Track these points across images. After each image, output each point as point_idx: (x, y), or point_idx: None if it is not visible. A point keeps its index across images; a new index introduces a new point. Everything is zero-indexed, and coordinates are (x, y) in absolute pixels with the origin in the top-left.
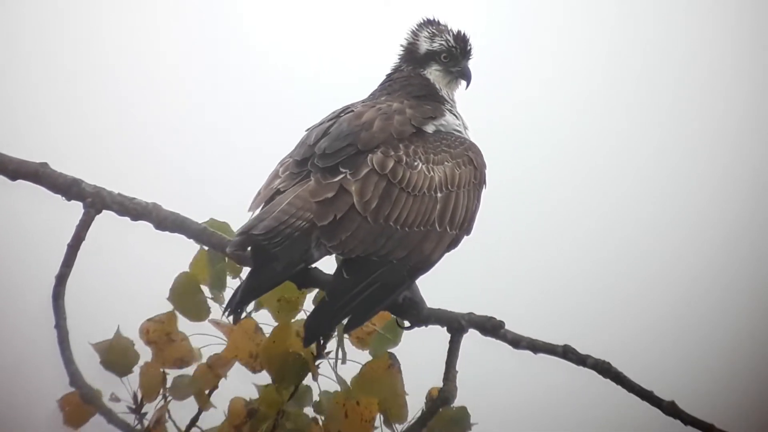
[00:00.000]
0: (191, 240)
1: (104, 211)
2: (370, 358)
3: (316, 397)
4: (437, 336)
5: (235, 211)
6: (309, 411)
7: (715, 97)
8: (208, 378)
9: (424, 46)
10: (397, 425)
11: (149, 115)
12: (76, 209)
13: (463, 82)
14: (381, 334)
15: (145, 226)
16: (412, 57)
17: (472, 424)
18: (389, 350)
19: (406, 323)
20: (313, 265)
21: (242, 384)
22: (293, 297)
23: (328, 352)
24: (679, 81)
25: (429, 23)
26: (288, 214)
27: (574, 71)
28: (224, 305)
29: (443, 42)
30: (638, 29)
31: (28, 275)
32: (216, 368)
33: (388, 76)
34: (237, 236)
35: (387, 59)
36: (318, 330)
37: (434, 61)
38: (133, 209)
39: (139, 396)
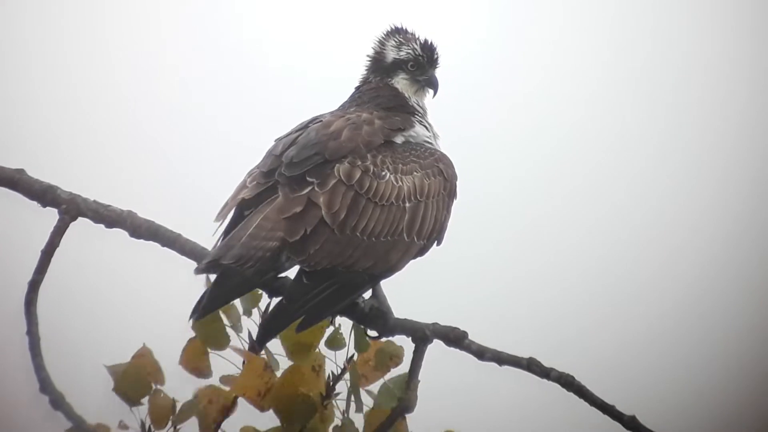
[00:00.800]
0: (166, 248)
1: (80, 219)
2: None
3: None
4: (402, 346)
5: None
6: None
7: (716, 97)
8: (216, 397)
9: (391, 55)
10: None
11: (148, 115)
12: (51, 216)
13: (431, 91)
14: (390, 388)
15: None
16: (380, 66)
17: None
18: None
19: (373, 333)
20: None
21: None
22: (308, 341)
23: (337, 394)
24: (680, 81)
25: (396, 32)
26: (257, 238)
27: (574, 72)
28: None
29: (410, 51)
30: (638, 29)
31: (1, 281)
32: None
33: (357, 88)
34: (205, 264)
35: None
36: (272, 329)
37: (401, 70)
38: (107, 216)
39: (147, 423)
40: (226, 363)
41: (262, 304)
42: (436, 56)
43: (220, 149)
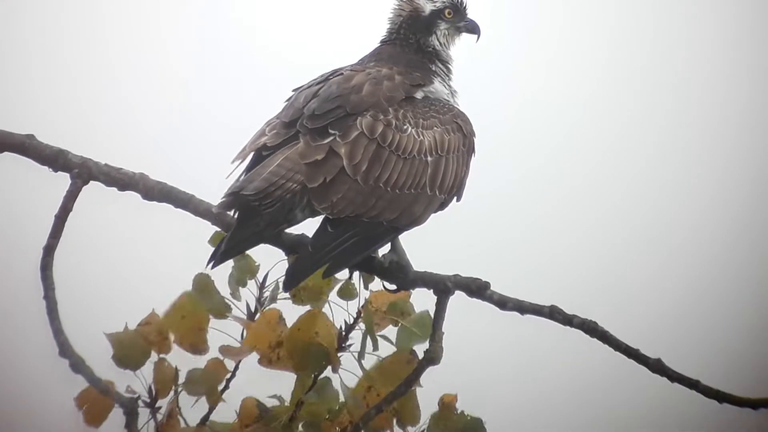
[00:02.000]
0: (179, 210)
1: (92, 182)
2: (389, 353)
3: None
4: (424, 298)
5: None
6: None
7: (716, 98)
8: (220, 370)
9: (428, 6)
10: (409, 427)
11: (148, 115)
12: (63, 181)
13: (469, 36)
14: (408, 328)
15: (132, 197)
16: (417, 22)
17: None
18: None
19: (393, 287)
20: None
21: (255, 385)
22: (318, 286)
23: (350, 344)
24: (680, 81)
25: None
26: (278, 175)
27: (574, 72)
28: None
29: None
30: (638, 29)
31: (16, 247)
32: (228, 356)
33: (381, 44)
34: (225, 196)
35: None
36: (299, 274)
37: (440, 20)
38: (119, 179)
39: (154, 390)
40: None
41: (260, 276)
42: (466, 2)
43: (220, 149)
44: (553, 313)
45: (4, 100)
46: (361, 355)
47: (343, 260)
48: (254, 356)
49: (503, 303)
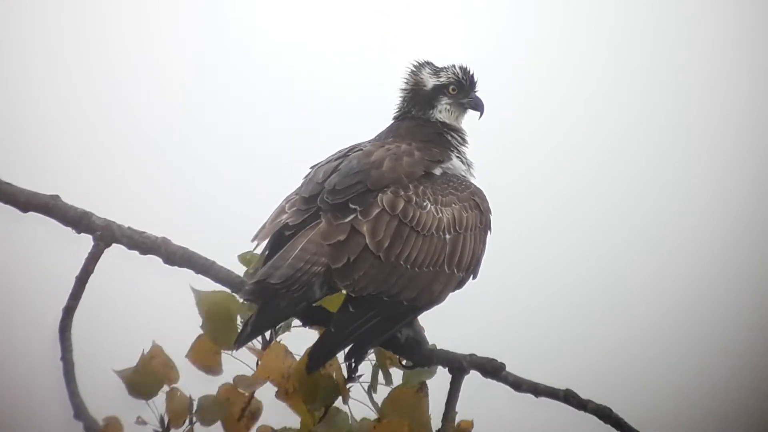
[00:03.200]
0: (199, 275)
1: (114, 245)
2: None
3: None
4: (438, 377)
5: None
6: None
7: (716, 98)
8: (234, 397)
9: (431, 81)
10: None
11: (148, 115)
12: (85, 242)
13: (473, 113)
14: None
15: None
16: (419, 96)
17: None
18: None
19: (409, 363)
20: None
21: (265, 415)
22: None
23: (359, 376)
24: (680, 81)
25: (424, 64)
26: (303, 260)
27: (574, 72)
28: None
29: (450, 75)
30: (638, 29)
31: (37, 307)
32: (242, 386)
33: (395, 119)
34: (253, 285)
35: (387, 59)
36: (321, 358)
37: (443, 95)
38: (142, 243)
39: (166, 420)
40: (238, 365)
41: None
42: (476, 79)
43: (220, 149)
44: (567, 397)
45: (4, 100)
46: (372, 388)
47: (364, 341)
48: (268, 387)
49: (518, 385)
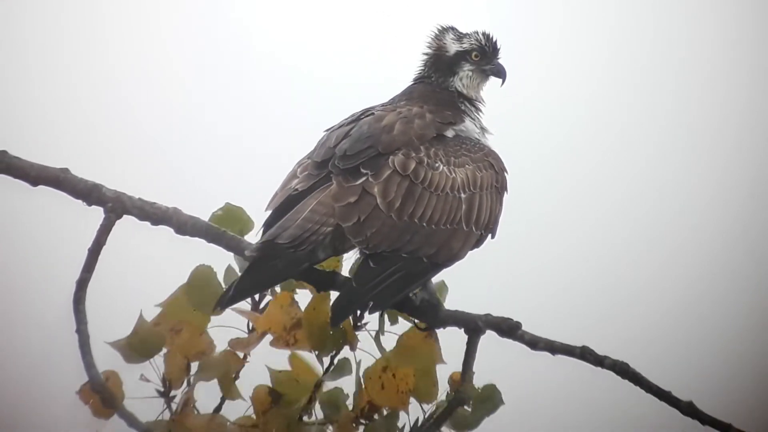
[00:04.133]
0: (211, 244)
1: (125, 216)
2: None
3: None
4: (455, 337)
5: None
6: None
7: (716, 98)
8: (232, 360)
9: (454, 47)
10: (425, 405)
11: (148, 115)
12: (96, 214)
13: (495, 80)
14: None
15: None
16: (440, 62)
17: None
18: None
19: (423, 325)
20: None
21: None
22: (332, 267)
23: (366, 323)
24: (680, 81)
25: (448, 29)
26: (311, 221)
27: (574, 71)
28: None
29: (473, 41)
30: (639, 29)
31: (50, 280)
32: (238, 349)
33: (413, 83)
34: (260, 244)
35: (387, 59)
36: (343, 312)
37: (465, 62)
38: (153, 214)
39: (168, 381)
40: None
41: None
42: (499, 45)
43: (219, 149)
44: (584, 354)
45: (3, 100)
46: (379, 333)
47: (386, 296)
48: (262, 346)
49: (534, 343)
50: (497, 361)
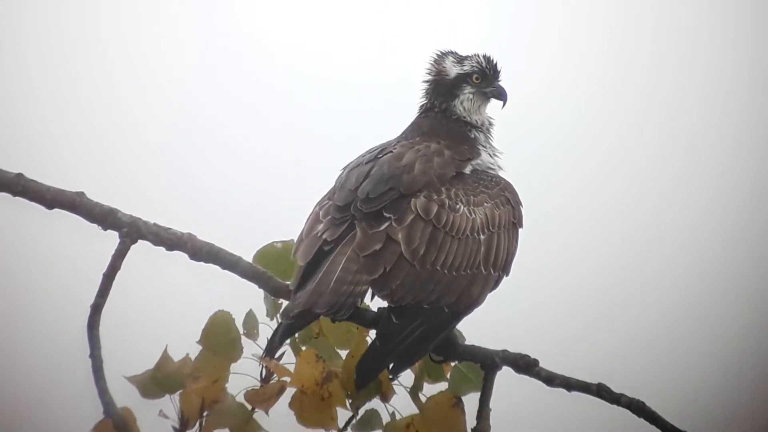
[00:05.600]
0: (225, 271)
1: (140, 241)
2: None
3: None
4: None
5: (236, 209)
6: None
7: (715, 97)
8: (244, 413)
9: (454, 70)
10: None
11: (148, 115)
12: (111, 239)
13: (496, 102)
14: (463, 372)
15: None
16: (441, 85)
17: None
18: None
19: (439, 358)
20: None
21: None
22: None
23: (399, 375)
24: (679, 81)
25: (447, 53)
26: (345, 282)
27: (574, 72)
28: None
29: (474, 64)
30: (639, 29)
31: (64, 304)
32: (256, 404)
33: (419, 115)
34: (297, 313)
35: (386, 59)
36: (369, 373)
37: (466, 84)
38: (168, 239)
39: (185, 417)
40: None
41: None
42: (500, 68)
43: (219, 149)
44: (600, 391)
45: (3, 100)
46: (417, 388)
47: (411, 354)
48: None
49: (550, 380)
50: (511, 397)
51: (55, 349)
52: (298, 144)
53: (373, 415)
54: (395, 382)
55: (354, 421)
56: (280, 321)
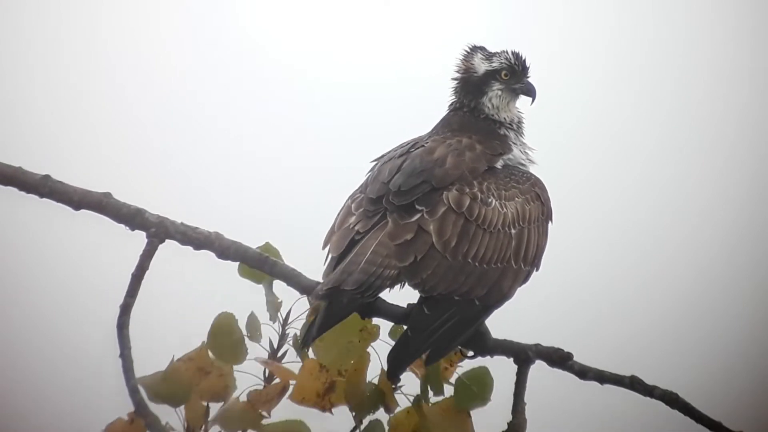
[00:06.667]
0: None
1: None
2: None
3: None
4: (504, 367)
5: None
6: None
7: (716, 97)
8: (251, 416)
9: (483, 67)
10: None
11: (148, 116)
12: (138, 239)
13: (525, 98)
14: (466, 384)
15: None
16: (470, 82)
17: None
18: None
19: (470, 353)
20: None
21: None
22: (373, 328)
23: (402, 385)
24: (679, 81)
25: (476, 49)
26: (375, 264)
27: (573, 72)
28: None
29: (503, 60)
30: (638, 29)
31: (93, 305)
32: (258, 405)
33: (449, 112)
34: (326, 290)
35: (387, 59)
36: (401, 363)
37: (495, 81)
38: (195, 239)
39: (191, 426)
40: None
41: (283, 311)
42: (528, 64)
43: (219, 150)
44: (633, 384)
45: (4, 100)
46: (423, 399)
47: (442, 345)
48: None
49: (584, 373)
50: (541, 390)
51: (84, 350)
52: (297, 145)
53: (376, 426)
54: (398, 392)
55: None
56: (282, 322)
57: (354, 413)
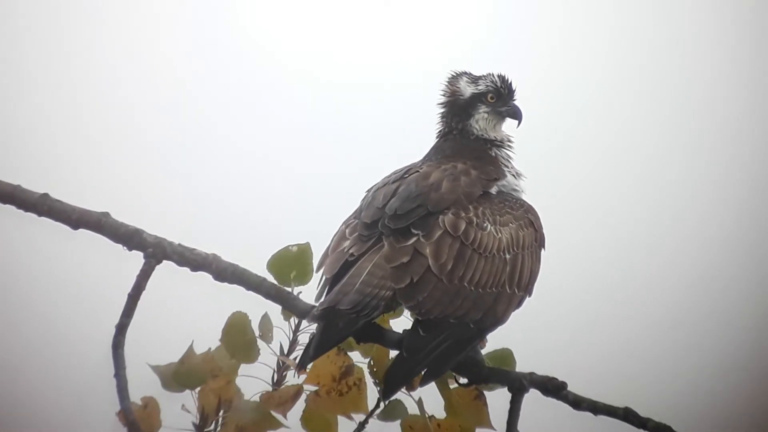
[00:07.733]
0: (250, 291)
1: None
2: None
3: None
4: (495, 395)
5: (235, 215)
6: None
7: (716, 98)
8: (261, 410)
9: (469, 90)
10: None
11: (147, 116)
12: (135, 259)
13: (511, 121)
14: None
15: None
16: (456, 106)
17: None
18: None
19: (464, 380)
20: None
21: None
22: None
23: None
24: (680, 81)
25: (461, 74)
26: (371, 285)
27: (573, 72)
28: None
29: (488, 83)
30: (638, 29)
31: (89, 324)
32: (271, 406)
33: (438, 140)
34: (321, 311)
35: (387, 59)
36: (396, 384)
37: (481, 104)
38: (193, 260)
39: (205, 414)
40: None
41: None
42: (514, 88)
43: (220, 151)
44: (627, 416)
45: (4, 101)
46: (422, 401)
47: (438, 366)
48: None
49: (577, 403)
50: (535, 419)
51: (80, 369)
52: (297, 145)
53: (397, 405)
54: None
55: (379, 410)
56: (296, 322)
57: (378, 388)
